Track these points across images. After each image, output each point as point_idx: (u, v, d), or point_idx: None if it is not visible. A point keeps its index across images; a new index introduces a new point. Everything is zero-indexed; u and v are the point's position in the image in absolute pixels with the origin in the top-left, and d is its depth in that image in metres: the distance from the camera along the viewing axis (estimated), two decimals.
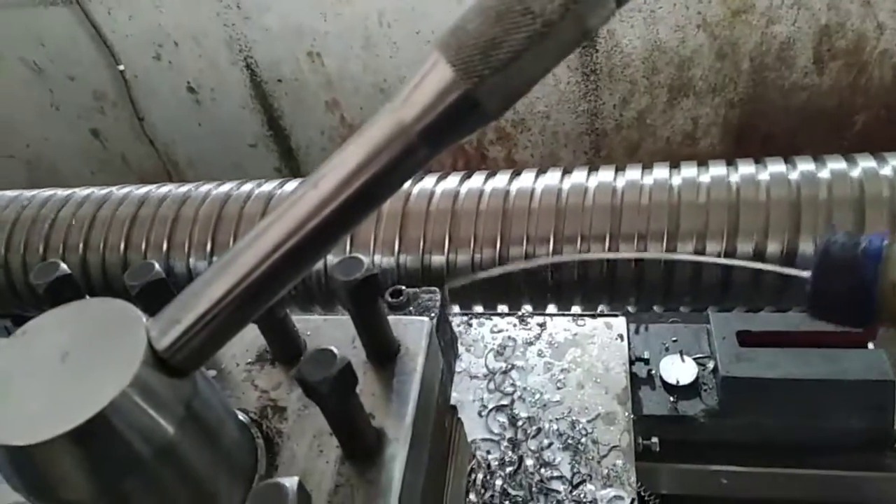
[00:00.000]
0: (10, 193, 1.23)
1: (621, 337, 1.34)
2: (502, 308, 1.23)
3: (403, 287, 0.85)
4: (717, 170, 1.02)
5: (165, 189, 1.15)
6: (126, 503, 0.56)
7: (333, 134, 3.27)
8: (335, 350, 0.59)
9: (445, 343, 0.87)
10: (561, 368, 1.32)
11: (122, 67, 3.31)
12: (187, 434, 0.56)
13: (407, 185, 1.01)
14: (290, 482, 0.51)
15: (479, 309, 1.22)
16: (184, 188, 1.14)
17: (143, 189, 1.16)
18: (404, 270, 0.97)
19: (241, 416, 0.70)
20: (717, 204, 0.96)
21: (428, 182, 1.00)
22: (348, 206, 0.52)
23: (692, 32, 2.55)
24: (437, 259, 0.95)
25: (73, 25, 3.19)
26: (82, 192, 1.19)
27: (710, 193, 0.97)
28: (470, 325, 1.52)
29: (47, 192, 1.20)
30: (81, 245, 1.10)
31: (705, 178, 1.02)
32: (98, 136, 3.64)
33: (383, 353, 0.73)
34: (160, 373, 0.54)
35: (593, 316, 1.38)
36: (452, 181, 0.99)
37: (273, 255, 0.53)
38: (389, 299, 0.84)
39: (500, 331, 1.45)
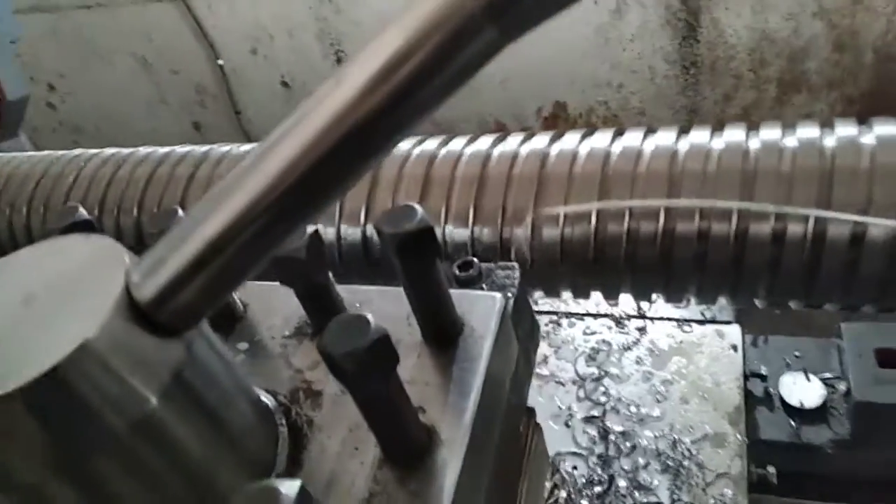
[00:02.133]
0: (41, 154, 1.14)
1: (735, 348, 1.13)
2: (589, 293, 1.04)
3: (475, 259, 0.68)
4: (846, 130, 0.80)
5: (186, 149, 1.02)
6: (95, 490, 0.42)
7: (420, 130, 3.15)
8: (370, 317, 0.43)
9: (524, 330, 0.70)
10: (662, 379, 1.12)
11: (221, 62, 3.31)
12: (175, 409, 0.42)
13: (485, 145, 0.85)
14: (289, 488, 0.35)
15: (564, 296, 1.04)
16: (203, 148, 1.01)
17: (165, 149, 1.04)
18: (479, 245, 0.81)
19: (264, 398, 0.55)
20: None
21: (511, 142, 0.83)
22: (381, 110, 0.36)
23: (807, 21, 2.27)
24: (519, 233, 0.78)
25: (177, 20, 3.20)
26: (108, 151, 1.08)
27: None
28: (559, 325, 1.34)
29: (77, 151, 1.10)
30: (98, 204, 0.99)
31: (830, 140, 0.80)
32: (200, 129, 3.65)
33: (443, 332, 0.57)
34: (138, 328, 0.40)
35: (702, 322, 1.18)
36: (541, 141, 0.82)
37: (287, 178, 0.38)
38: (458, 272, 0.67)
39: (593, 333, 1.27)
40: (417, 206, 0.51)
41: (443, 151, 0.84)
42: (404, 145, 0.87)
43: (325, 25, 3.01)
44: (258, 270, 0.42)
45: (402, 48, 0.35)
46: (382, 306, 0.62)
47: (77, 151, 1.11)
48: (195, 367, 0.44)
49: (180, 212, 0.58)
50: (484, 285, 0.69)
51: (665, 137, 0.78)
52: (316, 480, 0.50)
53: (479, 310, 0.59)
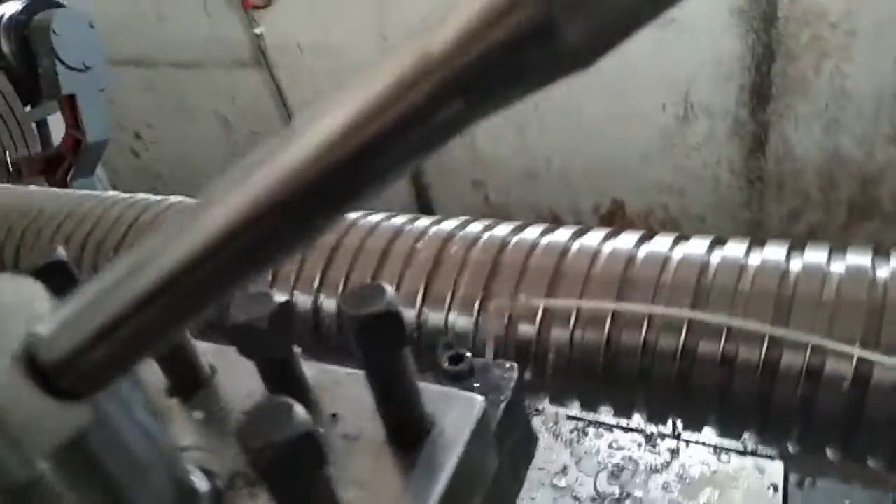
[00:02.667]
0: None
1: (776, 488, 1.00)
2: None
3: (468, 353, 0.62)
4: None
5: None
6: None
7: (476, 213, 3.14)
8: (296, 408, 0.37)
9: (513, 441, 0.63)
10: None
11: None
12: (68, 478, 0.37)
13: (504, 232, 0.79)
14: None
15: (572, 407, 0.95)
16: None
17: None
18: (481, 337, 0.74)
19: (196, 479, 0.49)
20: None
21: (531, 231, 0.78)
22: (331, 173, 0.32)
23: (882, 145, 2.17)
24: (527, 330, 0.71)
25: (260, 86, 3.34)
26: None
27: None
28: (585, 434, 1.24)
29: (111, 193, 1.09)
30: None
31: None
32: None
33: (406, 431, 0.51)
34: (37, 387, 0.36)
35: (742, 453, 1.06)
36: (563, 234, 0.76)
37: (216, 242, 0.33)
38: (446, 365, 0.61)
39: (620, 448, 1.17)
40: (386, 286, 0.45)
41: (459, 234, 0.79)
42: (421, 223, 0.82)
43: None
44: (181, 334, 0.37)
45: (363, 108, 0.31)
46: (350, 392, 0.56)
47: (112, 193, 1.12)
48: (101, 435, 0.38)
49: (60, 251, 0.54)
50: (476, 383, 0.63)
51: (696, 246, 0.71)
52: None
53: (455, 411, 0.52)
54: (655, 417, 0.72)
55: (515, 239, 0.76)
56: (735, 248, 0.69)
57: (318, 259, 0.80)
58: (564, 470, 1.21)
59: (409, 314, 0.76)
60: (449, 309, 0.73)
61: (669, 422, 0.76)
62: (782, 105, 2.34)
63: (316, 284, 0.79)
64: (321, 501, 0.40)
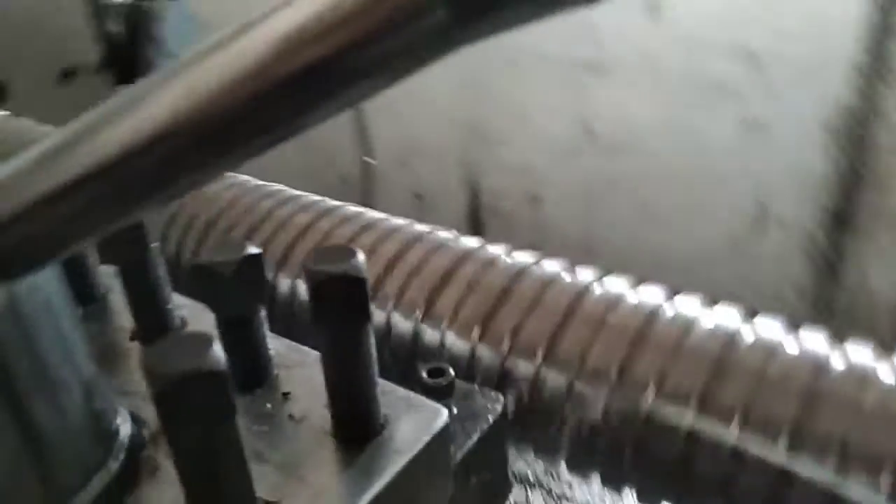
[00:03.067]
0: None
1: None
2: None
3: (450, 369, 0.56)
4: None
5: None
6: None
7: None
8: (216, 344, 0.33)
9: (482, 479, 0.57)
10: None
11: (371, 160, 3.46)
12: None
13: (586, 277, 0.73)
14: None
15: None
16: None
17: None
18: (479, 366, 0.68)
19: (120, 420, 0.45)
20: None
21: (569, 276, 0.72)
22: (294, 77, 0.28)
23: None
24: (520, 365, 0.65)
25: (344, 122, 3.41)
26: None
27: None
28: None
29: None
30: None
31: None
32: None
33: (352, 426, 0.45)
34: None
35: None
36: (618, 283, 0.70)
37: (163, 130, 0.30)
38: (425, 377, 0.56)
39: None
40: (358, 252, 0.41)
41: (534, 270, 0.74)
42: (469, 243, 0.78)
43: (468, 156, 3.08)
44: (115, 227, 0.33)
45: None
46: (311, 375, 0.51)
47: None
48: (8, 325, 0.35)
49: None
50: (454, 407, 0.57)
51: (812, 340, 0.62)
52: None
53: (413, 419, 0.47)
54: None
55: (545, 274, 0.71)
56: (767, 327, 0.61)
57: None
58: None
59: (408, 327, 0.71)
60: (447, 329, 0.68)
61: None
62: (864, 235, 2.22)
63: None
64: (223, 461, 0.34)
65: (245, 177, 1.11)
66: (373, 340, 0.43)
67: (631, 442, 0.59)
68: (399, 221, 0.84)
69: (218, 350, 0.33)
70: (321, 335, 0.42)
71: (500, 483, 0.60)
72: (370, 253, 0.76)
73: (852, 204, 2.21)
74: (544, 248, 2.97)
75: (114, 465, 0.42)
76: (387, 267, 0.73)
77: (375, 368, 0.44)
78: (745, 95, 2.45)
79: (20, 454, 0.37)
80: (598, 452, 0.61)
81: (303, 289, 0.80)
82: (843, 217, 2.25)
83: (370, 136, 3.39)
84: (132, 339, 0.55)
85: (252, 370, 0.49)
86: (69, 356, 0.39)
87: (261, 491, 0.41)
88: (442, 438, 0.46)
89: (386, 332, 0.71)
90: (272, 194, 0.95)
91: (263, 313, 0.49)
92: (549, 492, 1.23)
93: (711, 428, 0.55)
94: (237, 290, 0.46)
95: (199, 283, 0.46)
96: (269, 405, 0.47)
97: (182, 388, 0.31)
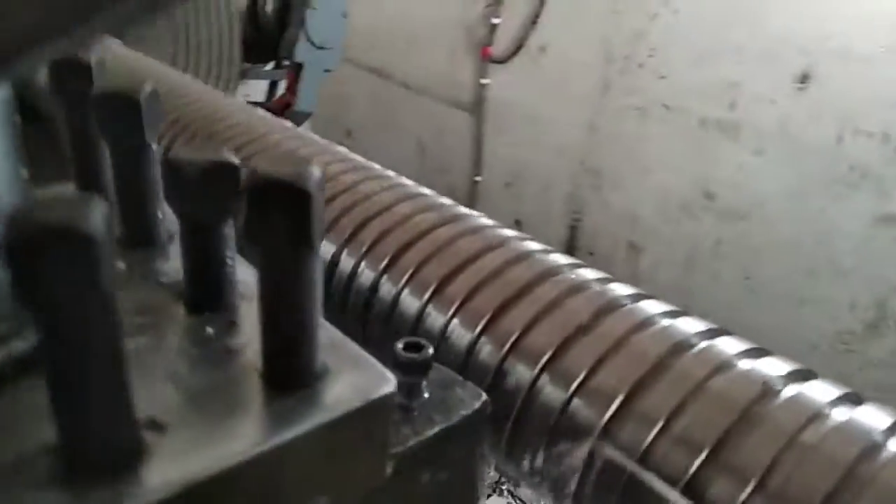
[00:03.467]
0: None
1: None
2: None
3: (429, 346, 0.49)
4: None
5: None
6: None
7: None
8: (99, 202, 0.28)
9: (437, 481, 0.49)
10: None
11: (478, 179, 3.45)
12: None
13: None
14: None
15: None
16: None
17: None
18: (474, 361, 0.61)
19: None
20: None
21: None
22: None
23: None
24: (520, 373, 0.57)
25: (466, 129, 3.42)
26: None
27: None
28: None
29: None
30: None
31: None
32: None
33: (276, 366, 0.39)
34: None
35: None
36: (654, 306, 0.60)
37: None
38: (400, 349, 0.49)
39: None
40: (316, 167, 0.35)
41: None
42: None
43: (575, 192, 2.99)
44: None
45: None
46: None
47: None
48: None
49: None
50: (426, 392, 0.50)
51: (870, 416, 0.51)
52: None
53: (355, 378, 0.40)
54: None
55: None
56: (817, 389, 0.50)
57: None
58: None
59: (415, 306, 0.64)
60: (453, 315, 0.61)
61: None
62: None
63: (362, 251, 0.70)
64: (91, 352, 0.30)
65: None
66: (317, 275, 0.37)
67: (619, 488, 0.49)
68: (446, 201, 0.78)
69: (101, 211, 0.28)
70: (256, 254, 0.36)
71: (463, 491, 0.52)
72: (395, 216, 0.70)
73: None
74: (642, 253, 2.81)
75: None
76: (407, 244, 0.67)
77: (316, 308, 0.38)
78: (886, 187, 2.23)
79: None
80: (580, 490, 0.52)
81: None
82: None
83: (483, 154, 3.38)
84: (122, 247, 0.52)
85: (205, 289, 0.45)
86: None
87: (155, 410, 0.36)
88: (380, 408, 0.40)
89: (391, 307, 0.65)
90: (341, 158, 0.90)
91: (230, 230, 0.45)
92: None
93: (721, 488, 0.45)
94: (202, 194, 0.42)
95: (167, 179, 0.42)
96: (210, 330, 0.42)
97: (41, 246, 0.27)
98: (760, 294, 2.58)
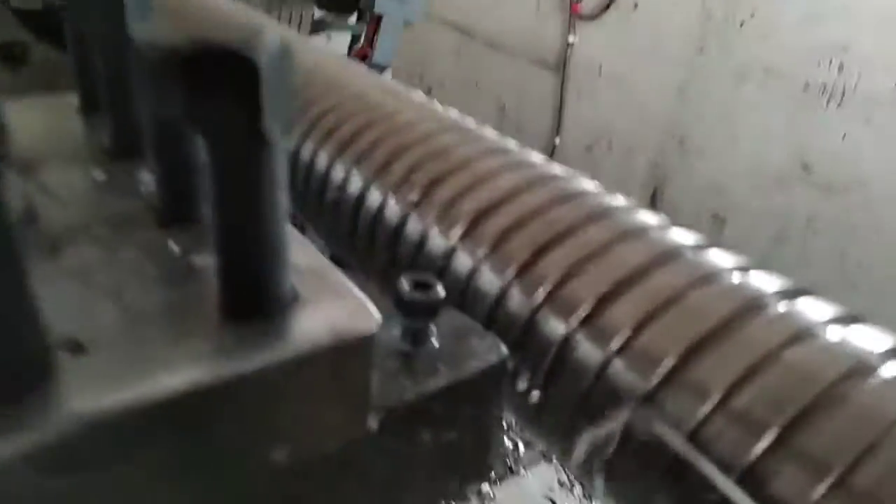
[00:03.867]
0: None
1: None
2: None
3: (439, 285, 0.41)
4: None
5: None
6: None
7: None
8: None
9: (444, 440, 0.41)
10: None
11: (558, 141, 3.30)
12: None
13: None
14: None
15: None
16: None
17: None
18: (502, 310, 0.52)
19: None
20: None
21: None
22: None
23: None
24: (553, 326, 0.48)
25: (548, 89, 3.27)
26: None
27: None
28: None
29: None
30: None
31: None
32: None
33: (236, 290, 0.32)
34: None
35: None
36: (724, 258, 0.49)
37: None
38: (405, 287, 0.41)
39: None
40: (274, 38, 0.27)
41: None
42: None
43: (658, 159, 2.81)
44: None
45: None
46: None
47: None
48: None
49: None
50: (434, 336, 0.42)
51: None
52: None
53: (331, 312, 0.33)
54: None
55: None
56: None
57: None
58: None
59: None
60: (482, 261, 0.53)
61: None
62: None
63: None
64: None
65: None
66: (278, 177, 0.29)
67: (661, 467, 0.40)
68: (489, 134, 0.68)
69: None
70: (207, 149, 0.29)
71: (472, 456, 0.44)
72: (429, 150, 0.62)
73: None
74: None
75: None
76: (436, 179, 0.58)
77: (278, 219, 0.30)
78: None
79: None
80: (617, 463, 0.43)
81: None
82: None
83: (565, 116, 3.23)
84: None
85: (176, 200, 0.38)
86: None
87: (83, 329, 0.30)
88: (357, 349, 0.32)
89: (419, 245, 0.57)
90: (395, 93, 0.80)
91: None
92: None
93: (789, 480, 0.35)
94: (172, 85, 0.35)
95: (143, 68, 0.35)
96: (176, 246, 0.36)
97: None
98: (855, 277, 2.36)
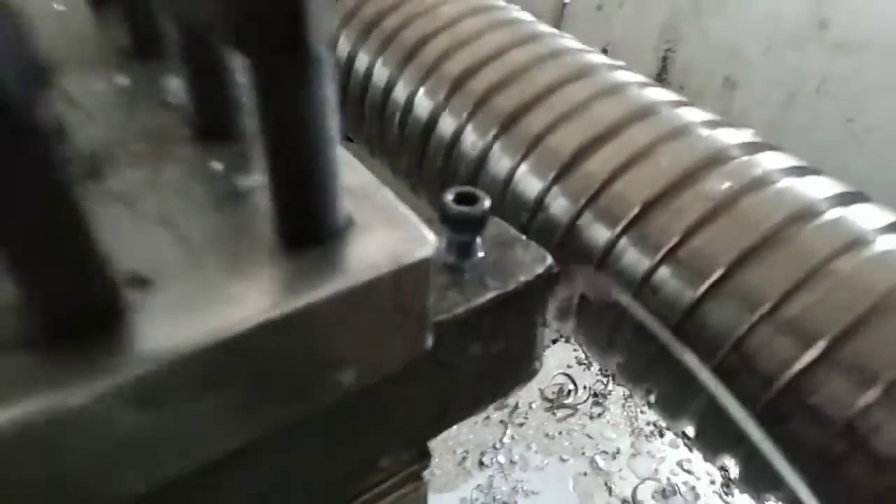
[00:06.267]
0: None
1: None
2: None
3: (485, 198, 0.40)
4: None
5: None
6: None
7: None
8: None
9: (493, 350, 0.42)
10: None
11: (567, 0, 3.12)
12: None
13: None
14: None
15: None
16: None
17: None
18: (543, 214, 0.51)
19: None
20: None
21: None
22: None
23: None
24: (600, 234, 0.47)
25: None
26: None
27: None
28: (660, 436, 1.02)
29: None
30: None
31: None
32: None
33: (300, 210, 0.31)
34: None
35: None
36: (772, 160, 0.48)
37: None
38: (450, 201, 0.40)
39: (688, 471, 0.94)
40: None
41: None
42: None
43: (671, 19, 2.67)
44: None
45: None
46: None
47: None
48: None
49: None
50: (479, 251, 0.41)
51: None
52: None
53: (386, 237, 0.32)
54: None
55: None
56: None
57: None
58: (615, 454, 1.00)
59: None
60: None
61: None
62: None
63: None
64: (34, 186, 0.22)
65: None
66: (325, 95, 0.27)
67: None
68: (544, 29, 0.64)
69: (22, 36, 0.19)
70: (250, 73, 0.26)
71: (519, 364, 0.45)
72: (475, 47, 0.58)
73: None
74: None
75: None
76: (469, 69, 0.55)
77: (330, 141, 0.28)
78: None
79: None
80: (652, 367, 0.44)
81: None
82: None
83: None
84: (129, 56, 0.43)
85: (213, 113, 0.36)
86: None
87: (144, 261, 0.29)
88: (415, 273, 0.31)
89: (452, 143, 0.55)
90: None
91: None
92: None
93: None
94: None
95: None
96: (218, 166, 0.34)
97: None
98: (862, 137, 2.32)
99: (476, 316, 0.39)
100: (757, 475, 0.41)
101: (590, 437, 1.06)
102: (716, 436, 0.42)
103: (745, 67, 2.57)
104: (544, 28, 0.62)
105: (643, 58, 2.83)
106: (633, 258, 0.43)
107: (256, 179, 0.34)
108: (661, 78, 2.82)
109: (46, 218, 0.23)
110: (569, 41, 0.60)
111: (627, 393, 1.18)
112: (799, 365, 0.37)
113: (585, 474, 1.01)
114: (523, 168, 0.50)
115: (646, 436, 1.07)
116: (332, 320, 0.30)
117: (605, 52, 2.95)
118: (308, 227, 0.30)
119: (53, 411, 0.24)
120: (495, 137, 0.51)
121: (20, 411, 0.23)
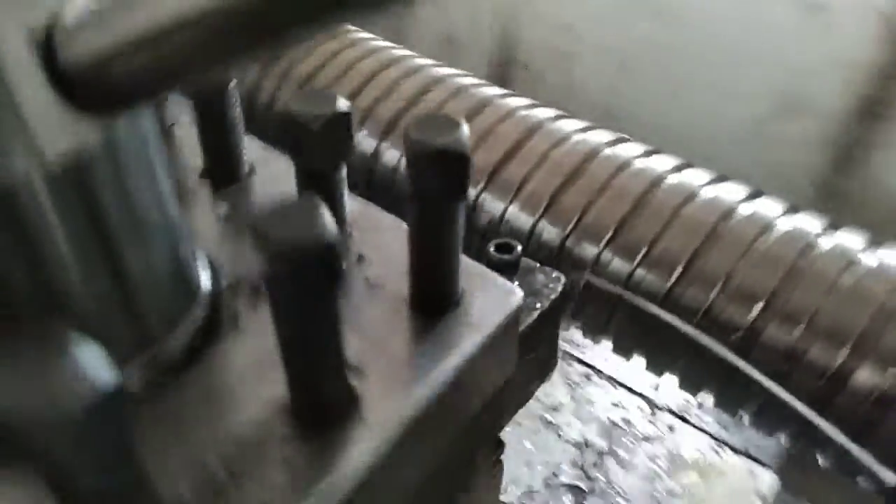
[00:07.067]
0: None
1: (762, 498, 0.94)
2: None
3: (517, 245, 0.54)
4: None
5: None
6: None
7: None
8: (326, 215, 0.30)
9: (536, 353, 0.56)
10: (668, 488, 0.96)
11: None
12: (56, 201, 0.31)
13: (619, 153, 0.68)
14: None
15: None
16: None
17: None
18: (536, 241, 0.66)
19: (201, 269, 0.43)
20: None
21: (633, 153, 0.67)
22: None
23: None
24: (588, 250, 0.63)
25: None
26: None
27: None
28: (589, 380, 1.20)
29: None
30: None
31: None
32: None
33: (431, 297, 0.43)
34: (48, 85, 0.28)
35: (738, 452, 1.00)
36: (694, 176, 0.65)
37: None
38: (493, 251, 0.53)
39: (621, 407, 1.12)
40: (463, 123, 0.37)
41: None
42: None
43: (504, 3, 2.88)
44: (222, 68, 0.29)
45: None
46: (387, 240, 0.48)
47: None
48: (107, 161, 0.32)
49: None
50: (518, 283, 0.55)
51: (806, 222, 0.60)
52: (199, 390, 0.38)
53: (489, 297, 0.45)
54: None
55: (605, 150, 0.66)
56: (766, 206, 0.58)
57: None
58: (558, 407, 1.17)
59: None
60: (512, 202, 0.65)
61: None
62: (892, 128, 2.13)
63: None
64: (323, 327, 0.33)
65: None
66: (463, 215, 0.40)
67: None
68: (493, 91, 0.78)
69: (329, 218, 0.30)
70: (415, 206, 0.38)
71: (549, 359, 0.59)
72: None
73: (889, 94, 2.10)
74: (567, 110, 2.85)
75: (199, 313, 0.40)
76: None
77: (461, 242, 0.41)
78: None
79: (110, 298, 0.35)
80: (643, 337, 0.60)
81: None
82: (874, 109, 2.15)
83: None
84: (202, 176, 0.52)
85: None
86: (159, 197, 0.36)
87: (351, 354, 0.40)
88: (513, 319, 0.45)
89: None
90: (375, 51, 0.85)
91: (344, 171, 0.46)
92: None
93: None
94: (322, 145, 0.42)
95: (286, 132, 0.42)
96: (344, 264, 0.45)
97: (298, 258, 0.29)
98: (684, 94, 2.65)
99: (529, 331, 0.53)
100: (729, 398, 0.59)
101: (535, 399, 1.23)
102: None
103: (578, 41, 2.84)
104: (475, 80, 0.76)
105: (485, 43, 3.02)
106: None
107: (377, 271, 0.45)
108: (505, 57, 3.03)
109: (330, 341, 0.34)
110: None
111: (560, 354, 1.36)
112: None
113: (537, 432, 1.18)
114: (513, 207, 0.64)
115: (581, 386, 1.26)
116: (477, 364, 0.43)
117: (449, 41, 3.12)
118: (443, 301, 0.43)
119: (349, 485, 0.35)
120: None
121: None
